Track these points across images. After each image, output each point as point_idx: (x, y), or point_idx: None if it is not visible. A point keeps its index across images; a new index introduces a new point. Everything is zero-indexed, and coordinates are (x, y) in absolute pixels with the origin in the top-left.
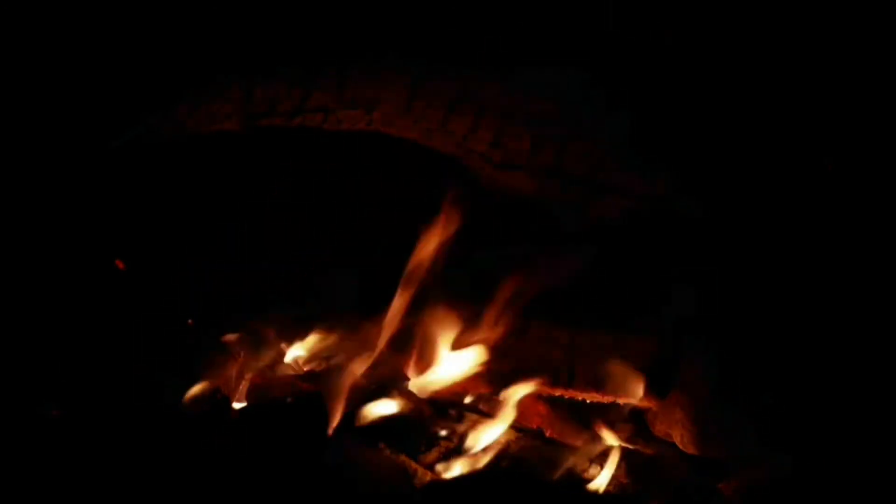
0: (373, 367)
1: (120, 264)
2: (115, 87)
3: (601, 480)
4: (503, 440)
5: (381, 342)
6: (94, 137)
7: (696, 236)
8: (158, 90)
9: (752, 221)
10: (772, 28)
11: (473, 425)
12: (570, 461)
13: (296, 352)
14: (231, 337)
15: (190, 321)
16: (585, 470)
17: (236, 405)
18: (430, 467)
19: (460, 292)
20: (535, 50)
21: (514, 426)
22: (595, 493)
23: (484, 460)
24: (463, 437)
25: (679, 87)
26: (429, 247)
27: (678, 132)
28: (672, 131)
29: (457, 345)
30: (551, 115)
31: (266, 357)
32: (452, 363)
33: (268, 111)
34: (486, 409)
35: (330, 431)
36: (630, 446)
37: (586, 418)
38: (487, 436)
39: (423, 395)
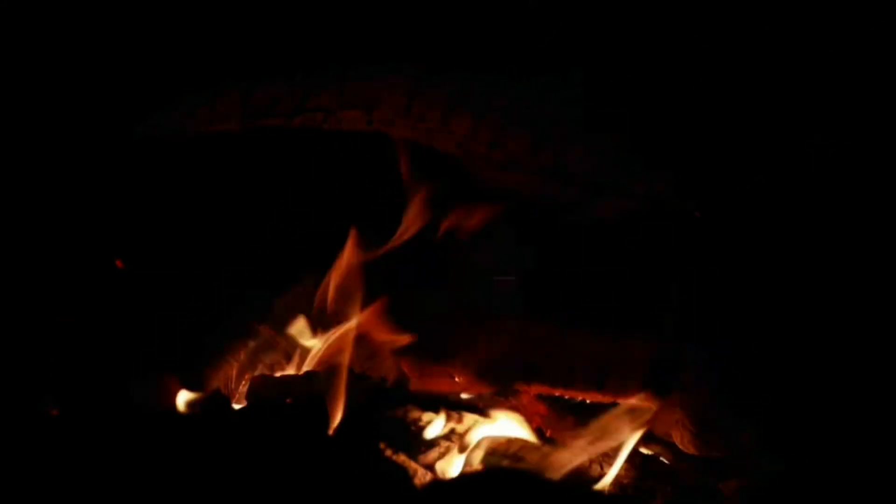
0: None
1: (120, 264)
2: (113, 88)
3: (606, 480)
4: (503, 440)
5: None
6: (92, 137)
7: (696, 236)
8: (158, 91)
9: (752, 221)
10: (770, 28)
11: (473, 425)
12: (570, 461)
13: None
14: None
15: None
16: (585, 470)
17: (236, 405)
18: (430, 467)
19: None
20: (535, 51)
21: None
22: (595, 493)
23: (484, 461)
24: (463, 437)
25: (679, 87)
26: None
27: (677, 132)
28: (671, 131)
29: None
30: (550, 116)
31: (266, 357)
32: None
33: (268, 111)
34: (486, 409)
35: (330, 431)
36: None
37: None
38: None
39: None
